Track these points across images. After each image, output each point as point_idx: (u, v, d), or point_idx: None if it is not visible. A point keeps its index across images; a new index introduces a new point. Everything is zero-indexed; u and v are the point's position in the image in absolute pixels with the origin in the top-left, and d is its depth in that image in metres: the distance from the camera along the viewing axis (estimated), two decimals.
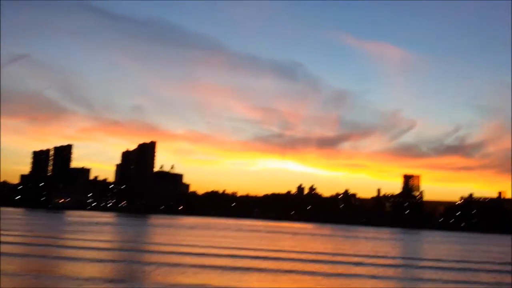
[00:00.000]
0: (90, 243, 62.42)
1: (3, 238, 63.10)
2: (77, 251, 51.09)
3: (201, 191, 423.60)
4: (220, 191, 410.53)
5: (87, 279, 31.64)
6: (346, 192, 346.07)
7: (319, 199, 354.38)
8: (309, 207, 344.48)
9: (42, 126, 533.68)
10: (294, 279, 37.57)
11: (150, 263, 42.78)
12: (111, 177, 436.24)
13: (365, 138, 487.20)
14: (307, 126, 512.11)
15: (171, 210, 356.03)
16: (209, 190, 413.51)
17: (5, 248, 50.44)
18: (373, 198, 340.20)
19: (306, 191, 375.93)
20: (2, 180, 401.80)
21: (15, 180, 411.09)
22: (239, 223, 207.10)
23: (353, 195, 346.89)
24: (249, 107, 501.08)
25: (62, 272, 35.82)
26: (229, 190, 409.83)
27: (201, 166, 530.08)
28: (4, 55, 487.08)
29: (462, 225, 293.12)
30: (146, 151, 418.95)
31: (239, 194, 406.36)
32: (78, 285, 29.45)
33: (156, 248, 61.17)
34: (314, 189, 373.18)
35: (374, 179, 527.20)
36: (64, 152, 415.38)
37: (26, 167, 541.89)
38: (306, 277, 38.84)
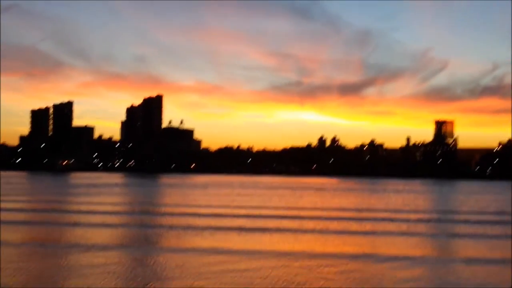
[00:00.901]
0: (98, 206, 63.71)
1: (5, 205, 64.65)
2: (84, 216, 52.17)
3: (214, 147, 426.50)
4: (235, 146, 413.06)
5: (95, 246, 32.23)
6: (372, 143, 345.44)
7: (342, 151, 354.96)
8: (332, 160, 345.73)
9: (39, 82, 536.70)
10: (317, 239, 37.85)
11: (162, 226, 43.47)
12: (116, 136, 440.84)
13: (392, 82, 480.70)
14: (328, 71, 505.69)
15: (182, 169, 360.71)
16: (223, 145, 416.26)
17: (6, 216, 51.65)
18: (402, 148, 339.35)
19: (328, 143, 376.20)
20: (1, 142, 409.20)
21: (14, 141, 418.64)
22: (256, 180, 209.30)
23: (380, 146, 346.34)
24: (263, 53, 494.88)
25: (68, 239, 36.55)
26: (244, 145, 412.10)
27: (212, 120, 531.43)
28: None
29: (500, 173, 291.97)
30: (152, 105, 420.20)
31: (255, 149, 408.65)
32: (86, 252, 30.03)
33: (167, 209, 62.21)
34: (337, 140, 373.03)
35: (403, 127, 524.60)
36: (64, 109, 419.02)
37: (25, 128, 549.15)
38: (331, 236, 39.12)
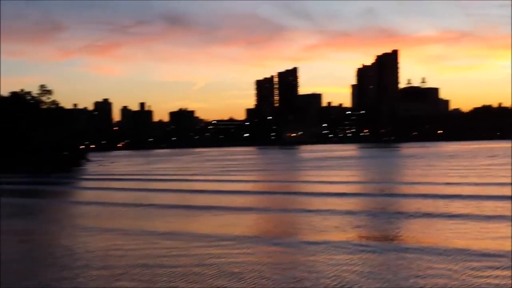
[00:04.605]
0: (328, 186, 64.17)
1: (228, 186, 69.68)
2: (314, 199, 52.67)
3: (466, 107, 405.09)
4: (495, 105, 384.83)
5: (326, 231, 31.44)
6: None
7: None
8: None
9: (260, 49, 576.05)
10: None
11: (400, 213, 41.05)
12: (346, 102, 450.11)
13: None
14: None
15: (427, 136, 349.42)
16: (478, 105, 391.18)
17: (238, 201, 55.09)
18: None
19: None
20: (228, 117, 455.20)
21: (241, 116, 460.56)
22: None
23: None
24: None
25: (296, 225, 36.76)
26: (507, 103, 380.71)
27: (462, 74, 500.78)
28: None
29: None
30: (387, 64, 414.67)
31: None
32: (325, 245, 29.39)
33: (408, 189, 59.31)
34: None
35: None
36: (289, 77, 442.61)
37: (250, 100, 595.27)
38: None
